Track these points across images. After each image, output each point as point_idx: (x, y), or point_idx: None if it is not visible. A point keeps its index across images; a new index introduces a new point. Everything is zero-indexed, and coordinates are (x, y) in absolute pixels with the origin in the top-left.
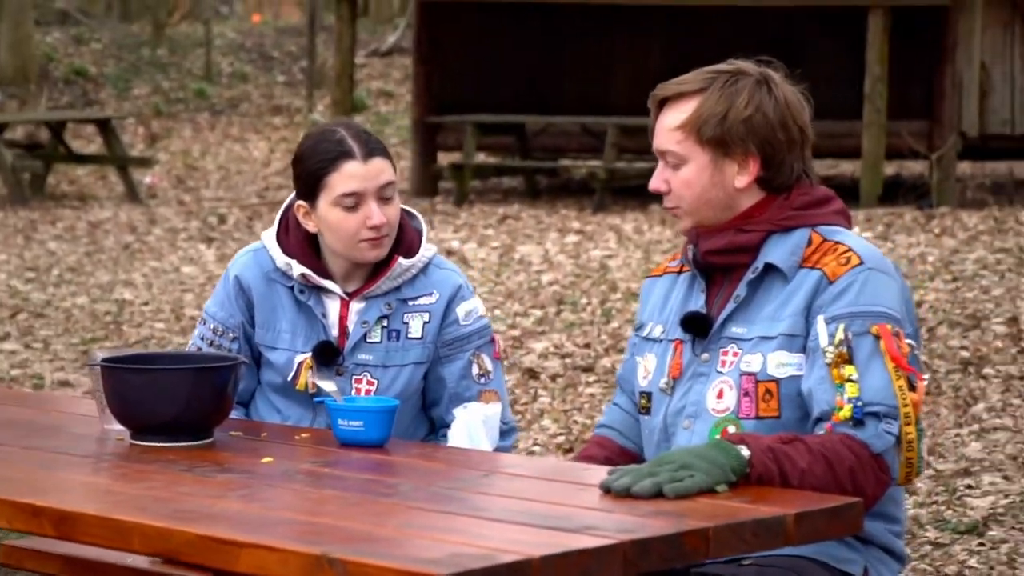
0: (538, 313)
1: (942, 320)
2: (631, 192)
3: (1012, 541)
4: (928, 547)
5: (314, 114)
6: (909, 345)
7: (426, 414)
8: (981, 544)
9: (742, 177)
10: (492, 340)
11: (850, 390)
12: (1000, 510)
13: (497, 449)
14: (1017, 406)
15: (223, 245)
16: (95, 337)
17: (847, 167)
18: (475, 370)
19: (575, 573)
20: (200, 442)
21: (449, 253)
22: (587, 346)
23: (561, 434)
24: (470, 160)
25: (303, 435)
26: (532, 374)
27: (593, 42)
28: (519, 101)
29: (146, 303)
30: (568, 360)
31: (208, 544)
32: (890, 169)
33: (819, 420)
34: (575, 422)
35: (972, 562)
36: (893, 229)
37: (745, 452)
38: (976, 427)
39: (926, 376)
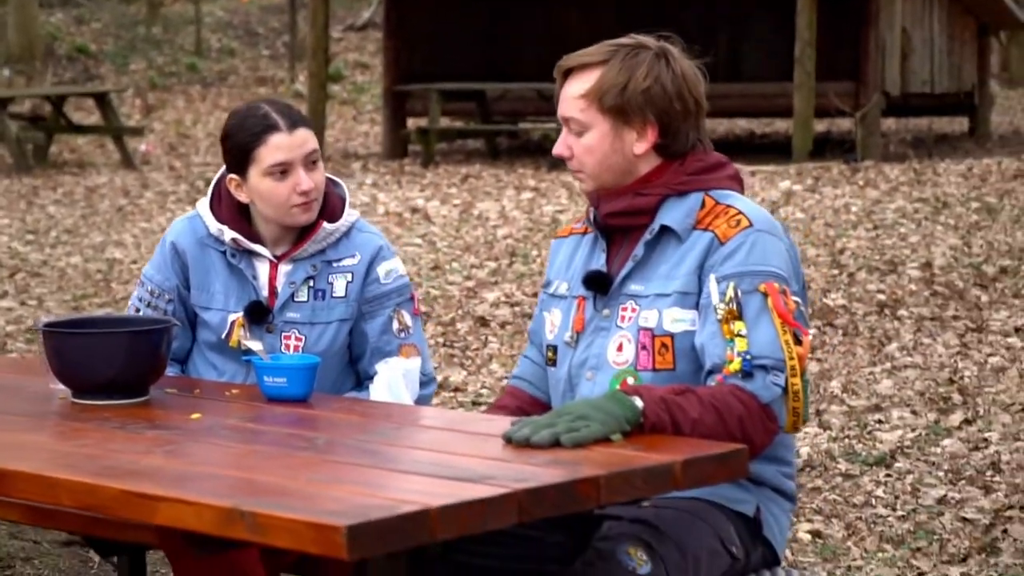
0: (492, 265)
1: (862, 266)
2: None
3: (916, 472)
4: (839, 479)
5: (296, 84)
6: (795, 302)
7: (352, 368)
8: (888, 475)
9: (640, 144)
10: (412, 297)
11: (739, 344)
12: (907, 443)
13: (418, 399)
14: (927, 345)
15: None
16: (85, 294)
17: (781, 125)
18: (395, 325)
19: (472, 521)
20: (136, 400)
21: (414, 211)
22: (535, 295)
23: (506, 377)
24: (435, 125)
25: (234, 391)
26: (483, 322)
27: (547, 13)
28: (480, 70)
29: (134, 261)
30: (517, 308)
31: (129, 499)
32: (820, 126)
33: (711, 373)
34: None
35: (879, 492)
36: (821, 182)
37: (639, 403)
38: (888, 365)
39: (811, 331)
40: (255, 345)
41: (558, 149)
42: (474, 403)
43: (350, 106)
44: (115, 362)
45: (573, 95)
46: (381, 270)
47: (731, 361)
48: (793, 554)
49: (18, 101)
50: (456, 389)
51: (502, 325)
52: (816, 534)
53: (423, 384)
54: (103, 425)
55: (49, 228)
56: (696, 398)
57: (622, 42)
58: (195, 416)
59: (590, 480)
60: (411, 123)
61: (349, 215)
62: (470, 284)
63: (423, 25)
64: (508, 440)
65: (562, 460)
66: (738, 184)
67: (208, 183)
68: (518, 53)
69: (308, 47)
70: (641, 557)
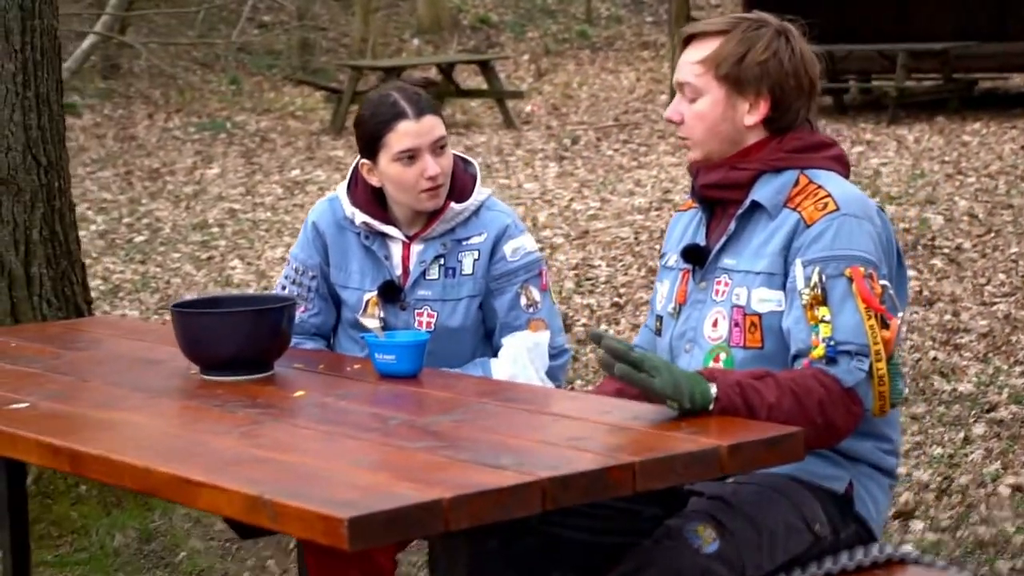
0: None
1: None
2: (923, 106)
3: None
4: None
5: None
6: (883, 286)
7: (489, 341)
8: None
9: (752, 115)
10: (540, 273)
11: (824, 330)
12: None
13: (549, 370)
14: None
15: (571, 163)
16: None
17: None
18: (523, 301)
19: (489, 511)
20: (260, 375)
21: None
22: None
23: None
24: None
25: (356, 366)
26: None
27: None
28: (831, 32)
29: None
30: None
31: (177, 483)
32: None
33: (796, 357)
34: None
35: None
36: None
37: (713, 390)
38: None
39: (900, 314)
40: (371, 323)
41: (669, 113)
42: None
43: None
44: (237, 340)
45: (690, 60)
46: (508, 248)
47: (816, 347)
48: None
49: (420, 68)
50: None
51: None
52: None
53: (553, 356)
54: (208, 403)
55: None
56: (774, 382)
57: (745, 16)
58: (298, 394)
59: (624, 467)
60: None
61: (479, 194)
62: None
63: None
64: (591, 335)
65: (601, 444)
66: (840, 166)
67: (574, 141)
68: (865, 18)
69: (672, 13)
70: (709, 535)
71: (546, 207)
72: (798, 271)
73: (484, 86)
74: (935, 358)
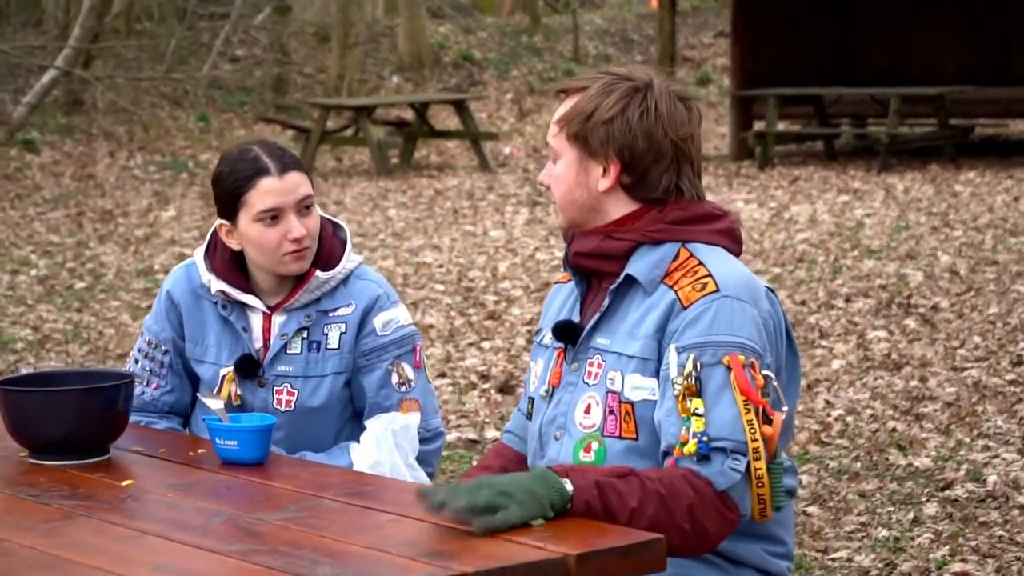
0: (776, 271)
1: None
2: (916, 153)
3: None
4: (1016, 512)
5: None
6: (765, 376)
7: (358, 423)
8: None
9: (604, 180)
10: (414, 348)
11: (696, 424)
12: None
13: (421, 455)
14: None
15: (543, 209)
16: None
17: None
18: (395, 379)
19: None
20: (93, 459)
21: None
22: (802, 303)
23: None
24: (772, 129)
25: (200, 451)
26: None
27: (886, 22)
28: (821, 75)
29: (441, 265)
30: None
31: None
32: None
33: (666, 454)
34: None
35: None
36: None
37: (568, 487)
38: None
39: (784, 408)
40: (213, 403)
41: (541, 177)
42: None
43: (714, 109)
44: (65, 421)
45: (553, 120)
46: (378, 321)
47: (685, 443)
48: None
49: (394, 107)
50: None
51: None
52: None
53: (426, 439)
54: (23, 492)
55: (380, 231)
56: (639, 483)
57: (613, 70)
58: (126, 483)
59: None
60: (759, 126)
61: (348, 262)
62: None
63: (769, 31)
64: (423, 500)
65: (435, 551)
66: (728, 240)
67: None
68: (860, 58)
69: (657, 53)
70: None
71: (509, 256)
72: (672, 357)
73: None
74: (894, 429)
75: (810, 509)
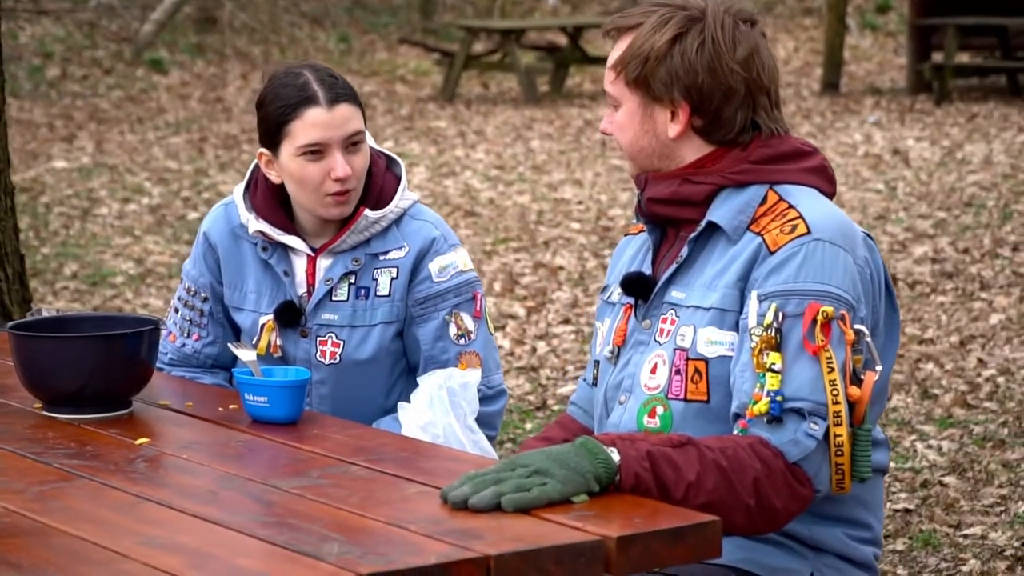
0: (940, 215)
1: None
2: None
3: None
4: None
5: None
6: (857, 331)
7: (412, 379)
8: None
9: (674, 126)
10: (474, 297)
11: (771, 381)
12: None
13: (482, 416)
14: None
15: None
16: (507, 238)
17: None
18: (453, 330)
19: None
20: (113, 413)
21: (895, 152)
22: (964, 251)
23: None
24: (950, 61)
25: (231, 407)
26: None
27: None
28: (1004, 2)
29: (580, 202)
30: (938, 266)
31: None
32: None
33: (737, 416)
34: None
35: None
36: None
37: (616, 457)
38: None
39: (879, 368)
40: (245, 355)
41: (602, 125)
42: None
43: (893, 39)
44: (81, 371)
45: (608, 64)
46: (434, 266)
47: (758, 401)
48: None
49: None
50: None
51: (912, 286)
52: None
53: (487, 399)
54: (27, 449)
55: (520, 163)
56: (697, 453)
57: (666, 1)
58: (140, 441)
59: (475, 563)
60: (938, 58)
61: (402, 200)
62: (906, 236)
63: None
64: (444, 499)
65: (460, 529)
66: (820, 180)
67: None
68: None
69: None
70: None
71: None
72: (752, 306)
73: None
74: None
75: (946, 479)
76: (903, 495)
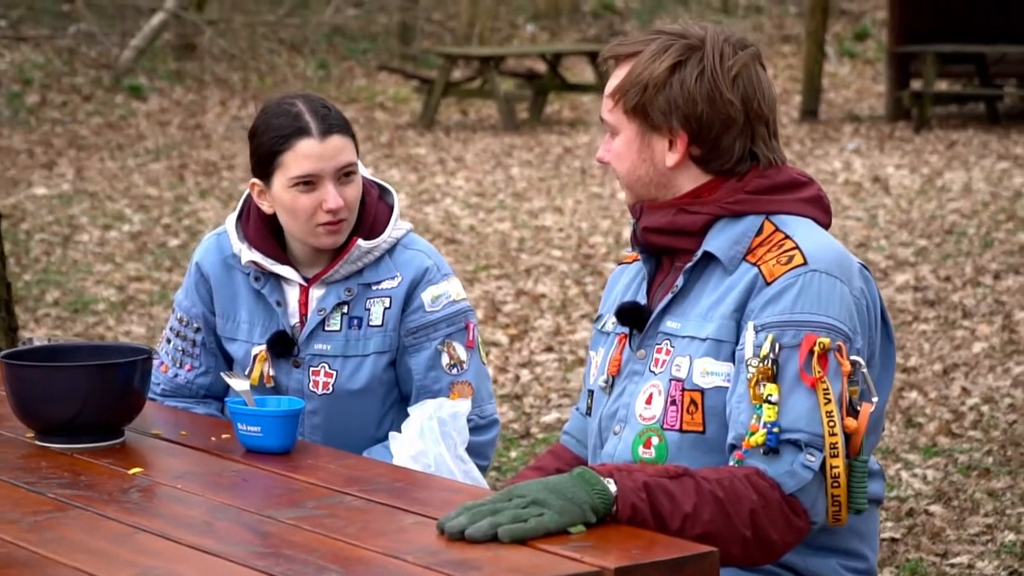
0: (921, 243)
1: None
2: None
3: None
4: None
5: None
6: (853, 363)
7: (405, 409)
8: None
9: (672, 155)
10: (467, 327)
11: (767, 413)
12: None
13: (473, 446)
14: None
15: None
16: (488, 265)
17: None
18: (445, 360)
19: None
20: (106, 443)
21: (876, 180)
22: (946, 279)
23: None
24: (929, 89)
25: (224, 436)
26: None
27: None
28: (984, 32)
29: (561, 229)
30: (920, 294)
31: None
32: None
33: (733, 447)
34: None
35: None
36: None
37: (612, 488)
38: None
39: (875, 399)
40: (238, 384)
41: (599, 153)
42: None
43: (871, 67)
44: (73, 400)
45: (606, 92)
46: (427, 296)
47: (754, 432)
48: None
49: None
50: None
51: (895, 314)
52: None
53: (479, 428)
54: (21, 478)
55: (500, 190)
56: (694, 484)
57: (665, 29)
58: (134, 471)
59: None
60: (916, 85)
61: (395, 230)
62: (888, 264)
63: None
64: (441, 530)
65: (457, 560)
66: (816, 210)
67: None
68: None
69: (807, 5)
70: None
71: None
72: (748, 337)
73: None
74: None
75: (932, 508)
76: (889, 524)
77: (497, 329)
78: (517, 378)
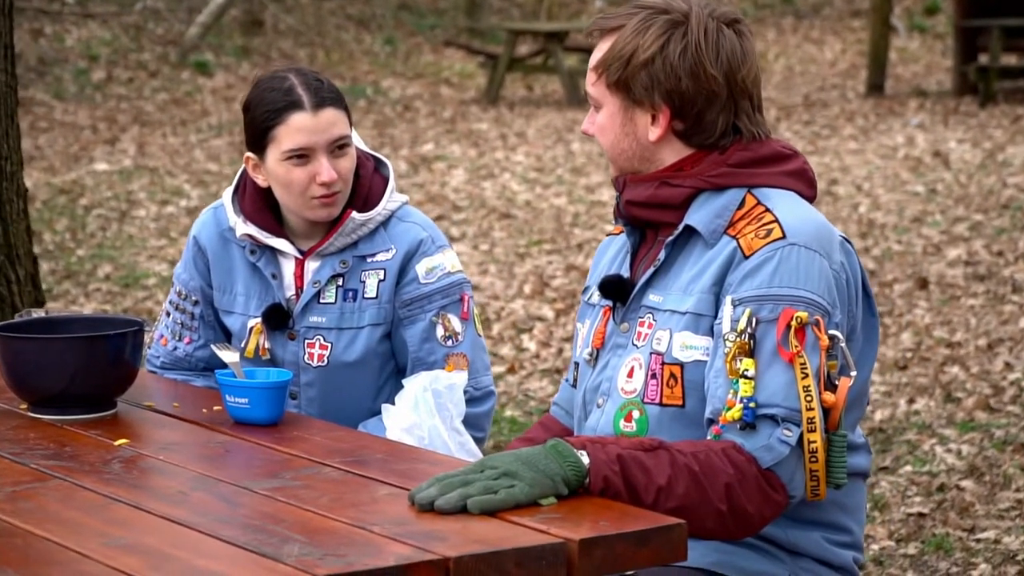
0: (976, 218)
1: None
2: None
3: None
4: None
5: (892, 18)
6: (831, 337)
7: (400, 381)
8: None
9: (654, 129)
10: (462, 299)
11: (744, 387)
12: None
13: (469, 418)
14: None
15: None
16: (541, 240)
17: None
18: (440, 332)
19: None
20: (97, 414)
21: (936, 154)
22: (999, 254)
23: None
24: (995, 62)
25: (215, 408)
26: (923, 284)
27: None
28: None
29: None
30: (970, 269)
31: None
32: None
33: (711, 421)
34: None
35: None
36: None
37: (584, 460)
38: None
39: (853, 373)
40: (227, 356)
41: (584, 126)
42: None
43: (941, 41)
44: (64, 371)
45: (590, 66)
46: (421, 267)
47: (731, 407)
48: None
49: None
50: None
51: (943, 288)
52: None
53: (475, 400)
54: (7, 450)
55: (559, 165)
56: (669, 457)
57: (648, 2)
58: (120, 442)
59: (432, 564)
60: (983, 60)
61: (390, 202)
62: (941, 238)
63: None
64: (412, 501)
65: (424, 532)
66: (800, 183)
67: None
68: None
69: None
70: None
71: None
72: (726, 311)
73: None
74: None
75: (964, 483)
76: (918, 499)
77: (544, 304)
78: (560, 352)
